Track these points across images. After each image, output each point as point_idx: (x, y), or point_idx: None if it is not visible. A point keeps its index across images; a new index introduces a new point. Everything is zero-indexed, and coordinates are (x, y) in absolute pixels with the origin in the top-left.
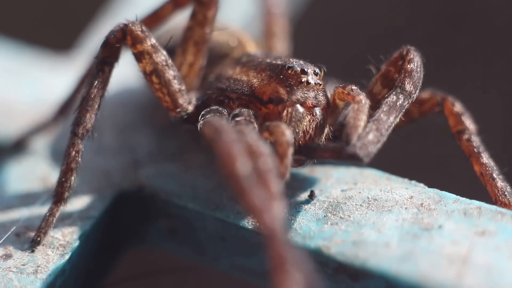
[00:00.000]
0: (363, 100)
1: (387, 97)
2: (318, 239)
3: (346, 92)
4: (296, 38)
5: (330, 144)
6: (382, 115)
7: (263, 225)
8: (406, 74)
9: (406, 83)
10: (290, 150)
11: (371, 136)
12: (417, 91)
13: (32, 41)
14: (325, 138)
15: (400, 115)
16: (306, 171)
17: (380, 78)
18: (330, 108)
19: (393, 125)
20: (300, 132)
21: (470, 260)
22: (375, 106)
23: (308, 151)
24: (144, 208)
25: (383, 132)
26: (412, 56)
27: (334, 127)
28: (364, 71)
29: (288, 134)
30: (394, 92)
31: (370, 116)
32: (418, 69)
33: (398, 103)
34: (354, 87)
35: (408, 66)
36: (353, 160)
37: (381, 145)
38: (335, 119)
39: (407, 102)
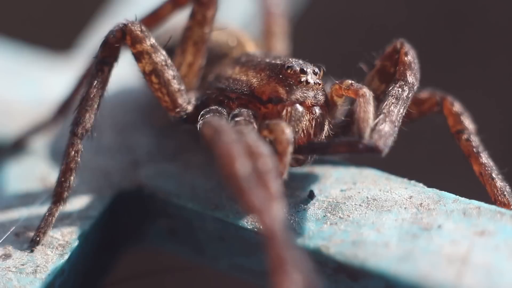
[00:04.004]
0: (367, 92)
1: (391, 90)
2: (317, 239)
3: (344, 87)
4: (296, 37)
5: (345, 138)
6: (392, 107)
7: (262, 226)
8: (406, 66)
9: (407, 75)
10: (290, 148)
11: (387, 128)
12: (418, 82)
13: (32, 41)
14: (325, 137)
15: (406, 107)
16: (305, 170)
17: (377, 74)
18: (329, 107)
19: (402, 117)
20: (300, 131)
21: (470, 260)
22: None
23: (322, 148)
24: (143, 208)
25: (396, 123)
26: (407, 48)
27: (334, 125)
28: (363, 70)
29: (288, 132)
30: (397, 85)
31: (377, 109)
32: (415, 61)
33: (404, 95)
34: (353, 82)
35: (406, 58)
36: (372, 152)
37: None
38: (333, 117)
39: (411, 93)
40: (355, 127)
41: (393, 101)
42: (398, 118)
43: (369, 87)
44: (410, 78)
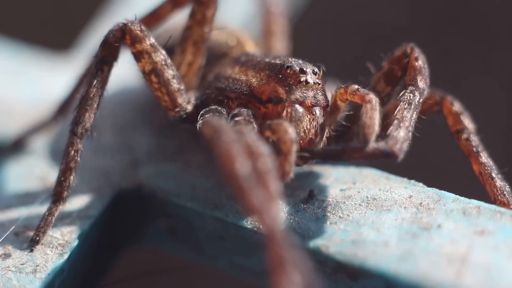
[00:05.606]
0: (374, 99)
1: (402, 95)
2: (317, 238)
3: (350, 92)
4: (296, 37)
5: (359, 144)
6: (405, 113)
7: (262, 225)
8: (417, 72)
9: (418, 80)
10: (294, 148)
11: (402, 133)
12: (428, 87)
13: (32, 40)
14: (325, 138)
15: (418, 112)
16: (305, 170)
17: (383, 76)
18: (330, 108)
19: (415, 122)
20: (301, 132)
21: (469, 260)
22: (380, 103)
23: (336, 153)
24: (143, 208)
25: (410, 129)
26: (417, 53)
27: (334, 127)
28: (364, 71)
29: (291, 131)
30: (408, 90)
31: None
32: (426, 66)
33: (415, 101)
34: (359, 87)
35: (416, 63)
36: (388, 158)
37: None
38: (334, 120)
39: (422, 99)
40: (360, 133)
41: (405, 106)
42: (412, 123)
43: (375, 89)
44: (421, 84)
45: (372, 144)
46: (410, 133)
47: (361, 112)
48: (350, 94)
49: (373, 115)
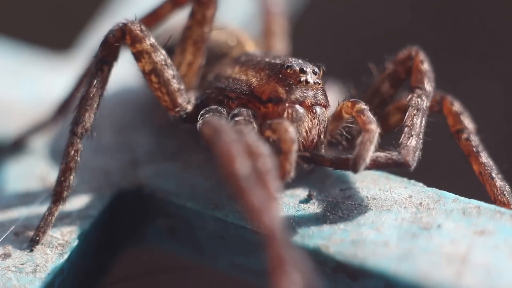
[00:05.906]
0: (374, 129)
1: (410, 100)
2: (317, 238)
3: (356, 110)
4: (296, 37)
5: (373, 155)
6: (414, 119)
7: (262, 225)
8: (423, 75)
9: (425, 84)
10: (295, 147)
11: (413, 142)
12: (434, 91)
13: (32, 40)
14: (328, 136)
15: (426, 117)
16: (305, 170)
17: (388, 78)
18: (334, 115)
19: (424, 127)
20: (303, 132)
21: (469, 260)
22: (382, 104)
23: (345, 163)
24: (143, 208)
25: (420, 135)
26: (422, 57)
27: (336, 129)
28: (364, 71)
29: (291, 130)
30: (416, 95)
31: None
32: (431, 69)
33: (423, 105)
34: (365, 108)
35: (422, 66)
36: (402, 167)
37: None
38: (336, 126)
39: (429, 102)
40: (352, 159)
41: (414, 112)
42: (422, 130)
43: (379, 90)
44: (428, 87)
45: (385, 154)
46: (421, 141)
47: (359, 140)
48: (355, 112)
49: (368, 147)
